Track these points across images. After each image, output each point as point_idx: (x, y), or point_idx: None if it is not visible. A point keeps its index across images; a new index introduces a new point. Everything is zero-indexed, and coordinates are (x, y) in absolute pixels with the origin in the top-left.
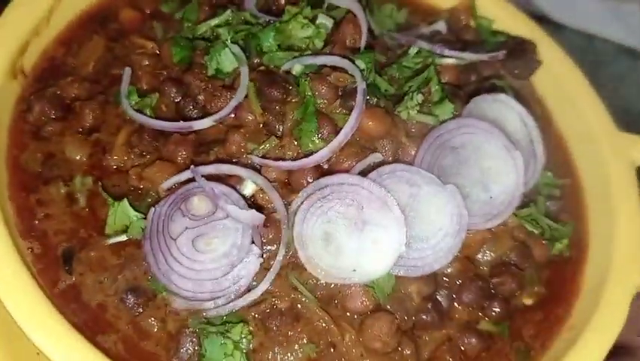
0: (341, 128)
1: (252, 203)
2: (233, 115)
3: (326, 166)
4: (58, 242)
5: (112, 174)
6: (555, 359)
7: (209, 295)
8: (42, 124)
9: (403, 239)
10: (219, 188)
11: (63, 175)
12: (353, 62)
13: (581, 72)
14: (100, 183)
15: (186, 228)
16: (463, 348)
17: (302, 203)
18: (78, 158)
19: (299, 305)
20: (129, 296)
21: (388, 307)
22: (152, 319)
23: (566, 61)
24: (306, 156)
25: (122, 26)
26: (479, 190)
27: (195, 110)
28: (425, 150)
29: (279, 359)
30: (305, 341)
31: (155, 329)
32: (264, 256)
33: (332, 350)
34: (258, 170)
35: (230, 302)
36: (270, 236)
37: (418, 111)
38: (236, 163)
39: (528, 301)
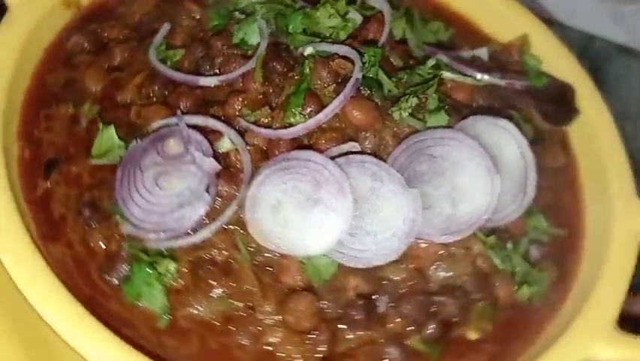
0: None
1: (224, 161)
2: (241, 83)
3: (308, 144)
4: (47, 152)
5: (117, 108)
6: None
7: (154, 227)
8: (75, 53)
9: (346, 226)
10: (195, 135)
11: (76, 99)
12: (363, 55)
13: (617, 131)
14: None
15: (155, 164)
16: (382, 356)
17: (266, 169)
18: (94, 89)
19: (233, 262)
20: (87, 210)
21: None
22: (100, 236)
23: (605, 115)
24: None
25: None
26: (446, 204)
27: (210, 71)
28: (402, 150)
29: (195, 305)
30: (226, 297)
31: (100, 247)
32: (217, 206)
33: (248, 312)
34: (242, 134)
35: (170, 239)
36: (230, 192)
37: (410, 114)
38: (226, 123)
39: (472, 336)
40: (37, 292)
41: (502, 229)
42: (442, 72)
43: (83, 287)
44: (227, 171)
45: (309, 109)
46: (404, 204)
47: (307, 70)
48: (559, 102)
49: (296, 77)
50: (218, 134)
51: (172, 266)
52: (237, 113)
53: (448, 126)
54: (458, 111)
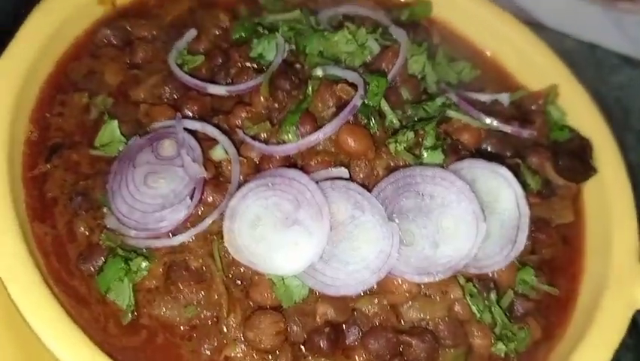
0: None
1: (216, 169)
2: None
3: (300, 164)
4: (53, 136)
5: (129, 104)
6: None
7: (135, 224)
8: (101, 46)
9: (319, 251)
10: (189, 140)
11: (92, 90)
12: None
13: (632, 194)
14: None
15: (148, 162)
16: None
17: (251, 182)
18: (111, 82)
19: (206, 271)
20: (78, 197)
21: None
22: (85, 225)
23: (622, 178)
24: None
25: (216, 0)
26: (427, 244)
27: (224, 81)
28: (390, 182)
29: (162, 306)
30: (194, 303)
31: (83, 235)
32: (200, 213)
33: (213, 322)
34: (238, 145)
35: (149, 238)
36: (215, 201)
37: (406, 149)
38: (226, 134)
39: None
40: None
41: (488, 277)
42: (446, 110)
43: (56, 267)
44: (216, 179)
45: (304, 129)
46: (381, 237)
47: (310, 91)
48: (577, 158)
49: (300, 97)
50: (215, 142)
51: (144, 264)
52: (239, 125)
53: (443, 166)
54: (458, 152)
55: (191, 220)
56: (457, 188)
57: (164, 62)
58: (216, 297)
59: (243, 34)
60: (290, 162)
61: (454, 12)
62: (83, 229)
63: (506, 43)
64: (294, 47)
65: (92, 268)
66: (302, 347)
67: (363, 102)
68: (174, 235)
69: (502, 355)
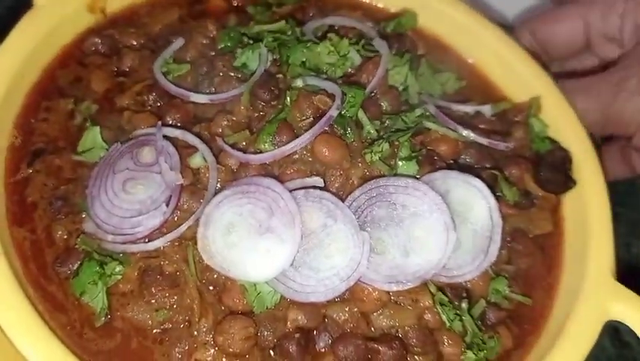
0: None
1: (195, 176)
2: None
3: (277, 173)
4: (37, 141)
5: (113, 111)
6: None
7: (111, 229)
8: (89, 53)
9: (291, 258)
10: (168, 147)
11: (78, 96)
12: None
13: (609, 208)
14: (95, 112)
15: (127, 169)
16: None
17: (226, 190)
18: (97, 89)
19: (180, 276)
20: (58, 201)
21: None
22: (63, 229)
23: (601, 193)
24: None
25: (207, 10)
26: (397, 253)
27: (208, 89)
28: (364, 192)
29: (135, 310)
30: (166, 307)
31: (61, 239)
32: (176, 219)
33: (185, 326)
34: (217, 153)
35: (126, 243)
36: (191, 207)
37: (380, 159)
38: (207, 142)
39: None
40: None
41: (461, 286)
42: (424, 122)
43: (33, 268)
44: (193, 186)
45: (280, 139)
46: (351, 246)
47: (289, 101)
48: (557, 170)
49: (279, 107)
50: (195, 150)
51: (118, 268)
52: (219, 133)
53: (417, 176)
54: (433, 163)
55: (167, 226)
56: (429, 198)
57: (151, 71)
58: (189, 301)
59: (229, 44)
60: (267, 171)
61: (440, 22)
62: (61, 233)
63: (491, 54)
64: (277, 57)
65: (67, 272)
66: (271, 352)
67: (340, 113)
68: (150, 240)
69: None
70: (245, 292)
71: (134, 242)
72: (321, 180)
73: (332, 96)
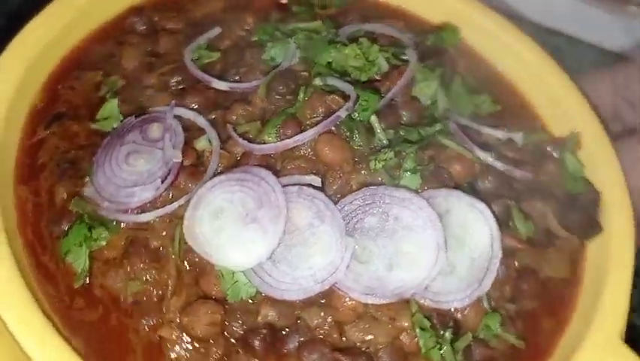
0: None
1: (198, 158)
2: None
3: (278, 167)
4: (59, 107)
5: (138, 89)
6: None
7: (107, 196)
8: (127, 32)
9: (269, 251)
10: (176, 127)
11: (107, 70)
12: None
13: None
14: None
15: (134, 142)
16: None
17: (222, 175)
18: (126, 66)
19: (164, 252)
20: (65, 164)
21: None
22: (65, 191)
23: (628, 240)
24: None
25: (252, 4)
26: (381, 265)
27: (233, 78)
28: (358, 197)
29: (113, 277)
30: (143, 280)
31: (61, 201)
32: (170, 196)
33: (156, 301)
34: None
35: (119, 212)
36: (187, 187)
37: (384, 168)
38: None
39: None
40: None
41: (449, 315)
42: (439, 137)
43: (29, 233)
44: (194, 168)
45: (285, 132)
46: (334, 249)
47: (301, 97)
48: (585, 213)
49: (293, 102)
50: (202, 132)
51: (104, 234)
52: (233, 121)
53: (417, 191)
54: (440, 180)
55: (161, 202)
56: (424, 214)
57: (182, 55)
58: (165, 277)
59: (263, 38)
60: (269, 163)
61: (483, 39)
62: (62, 193)
63: (536, 79)
64: (306, 55)
65: (59, 231)
66: (235, 342)
67: (350, 116)
68: (143, 211)
69: None
70: (222, 279)
71: (125, 212)
72: (319, 179)
73: (347, 98)
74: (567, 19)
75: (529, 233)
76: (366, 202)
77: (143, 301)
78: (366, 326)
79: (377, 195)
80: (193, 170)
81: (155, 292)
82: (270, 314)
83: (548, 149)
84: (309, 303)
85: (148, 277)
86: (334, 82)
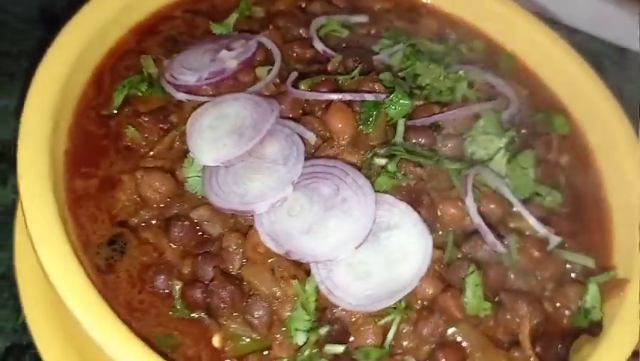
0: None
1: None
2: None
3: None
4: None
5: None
6: None
7: (171, 70)
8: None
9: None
10: (251, 46)
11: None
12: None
13: None
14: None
15: (219, 44)
16: None
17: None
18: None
19: (176, 125)
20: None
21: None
22: None
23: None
24: None
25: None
26: (302, 226)
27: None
28: (326, 163)
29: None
30: (144, 135)
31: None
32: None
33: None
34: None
35: (167, 83)
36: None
37: (372, 159)
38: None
39: None
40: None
41: (337, 314)
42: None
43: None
44: (240, 82)
45: (319, 88)
46: (272, 187)
47: (354, 73)
48: (566, 346)
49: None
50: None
51: (144, 88)
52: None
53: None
54: (411, 197)
55: (201, 91)
56: (365, 210)
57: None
58: (165, 140)
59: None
60: (301, 107)
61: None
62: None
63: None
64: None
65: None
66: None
67: (377, 104)
68: (185, 92)
69: None
70: (189, 165)
71: (174, 85)
72: (314, 137)
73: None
74: (588, 18)
75: (473, 311)
76: (328, 172)
77: (133, 149)
78: (259, 271)
79: (342, 173)
80: (238, 83)
81: (144, 144)
82: (202, 214)
83: (572, 274)
84: (235, 228)
85: (148, 134)
86: (386, 76)
